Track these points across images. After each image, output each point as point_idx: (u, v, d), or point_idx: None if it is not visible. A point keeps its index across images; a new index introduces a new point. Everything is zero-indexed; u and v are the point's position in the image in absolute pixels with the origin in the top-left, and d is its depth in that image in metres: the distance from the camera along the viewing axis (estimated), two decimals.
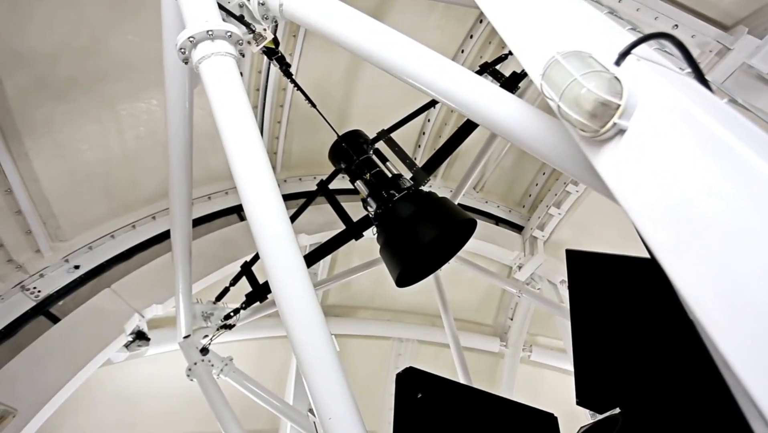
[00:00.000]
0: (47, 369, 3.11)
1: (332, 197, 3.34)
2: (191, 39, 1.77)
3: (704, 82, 0.95)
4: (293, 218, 3.49)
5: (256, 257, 3.44)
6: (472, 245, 5.74)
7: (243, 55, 1.89)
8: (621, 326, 1.99)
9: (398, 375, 2.31)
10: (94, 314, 3.48)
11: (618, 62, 0.94)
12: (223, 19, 1.99)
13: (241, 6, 2.12)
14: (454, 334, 4.81)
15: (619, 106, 0.85)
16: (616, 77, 0.89)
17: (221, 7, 2.01)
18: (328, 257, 4.89)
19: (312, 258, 3.32)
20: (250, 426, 5.12)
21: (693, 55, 0.94)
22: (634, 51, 0.95)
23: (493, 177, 5.99)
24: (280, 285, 1.49)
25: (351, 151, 2.98)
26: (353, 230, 3.23)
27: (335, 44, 1.81)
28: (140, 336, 3.72)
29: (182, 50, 1.83)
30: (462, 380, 4.54)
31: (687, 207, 0.63)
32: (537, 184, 5.95)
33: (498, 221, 6.06)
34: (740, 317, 0.53)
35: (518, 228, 6.11)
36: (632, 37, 1.02)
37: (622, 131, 0.85)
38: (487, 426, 2.36)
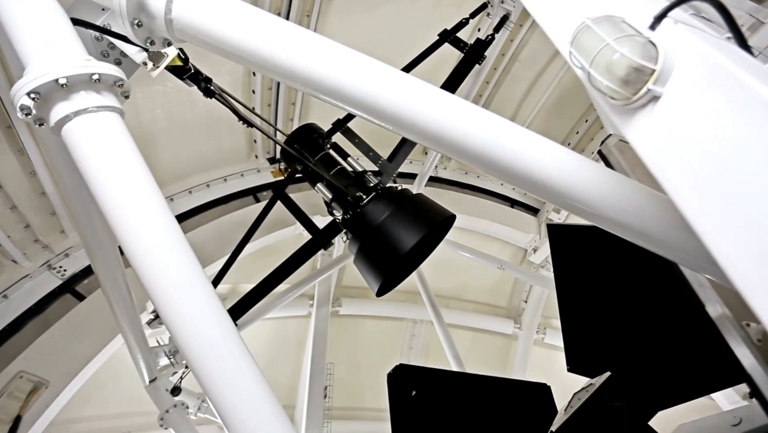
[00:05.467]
0: (75, 344, 3.24)
1: (291, 203, 3.02)
2: (34, 96, 1.11)
3: (746, 48, 0.90)
4: (249, 234, 3.11)
5: (218, 280, 3.03)
6: (487, 227, 5.73)
7: (128, 97, 1.31)
8: (604, 293, 2.03)
9: (389, 375, 2.30)
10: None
11: (653, 26, 0.89)
12: (98, 39, 1.38)
13: (138, 3, 1.31)
14: (439, 316, 4.88)
15: (653, 71, 0.81)
16: (650, 41, 0.85)
17: (80, 23, 1.34)
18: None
19: (277, 277, 2.99)
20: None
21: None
22: (670, 14, 0.90)
23: None
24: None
25: (305, 151, 2.63)
26: (320, 239, 2.90)
27: (267, 73, 1.28)
28: None
29: (24, 111, 1.14)
30: (454, 366, 4.61)
31: (729, 174, 0.60)
32: None
33: (513, 203, 5.99)
34: None
35: (534, 210, 6.03)
36: (666, 2, 0.96)
37: (656, 98, 0.81)
38: (485, 407, 2.40)
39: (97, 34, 1.43)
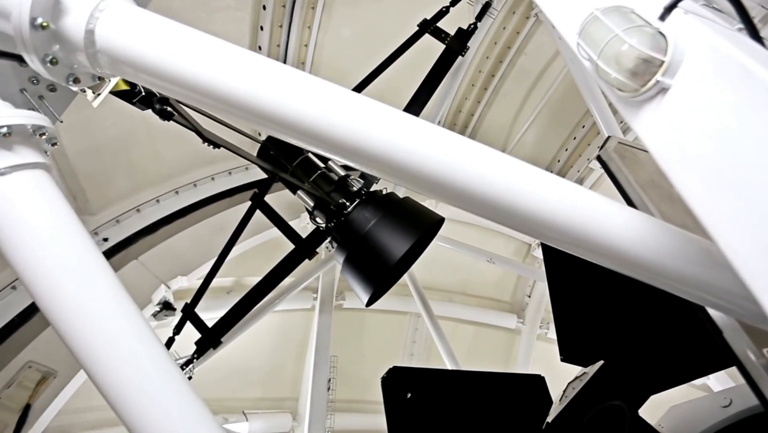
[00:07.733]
0: None
1: (271, 211, 2.88)
2: None
3: (758, 39, 0.88)
4: (233, 239, 3.07)
5: (197, 298, 2.90)
6: (490, 222, 5.72)
7: (56, 144, 1.10)
8: (594, 283, 2.05)
9: (383, 379, 2.31)
10: (123, 284, 3.63)
11: (663, 17, 0.88)
12: (23, 65, 1.11)
13: (49, 35, 0.99)
14: (431, 314, 4.91)
15: (662, 62, 0.80)
16: (660, 32, 0.83)
17: None
18: None
19: (259, 292, 2.87)
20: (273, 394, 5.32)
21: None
22: (680, 5, 0.89)
23: (514, 153, 5.86)
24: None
25: (282, 157, 2.49)
26: (304, 249, 2.76)
27: (232, 113, 1.03)
28: (167, 306, 3.88)
29: None
30: (447, 362, 4.65)
31: (739, 166, 0.59)
32: (559, 161, 5.81)
33: None
34: None
35: None
36: None
37: (664, 90, 0.80)
38: (481, 403, 2.42)
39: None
